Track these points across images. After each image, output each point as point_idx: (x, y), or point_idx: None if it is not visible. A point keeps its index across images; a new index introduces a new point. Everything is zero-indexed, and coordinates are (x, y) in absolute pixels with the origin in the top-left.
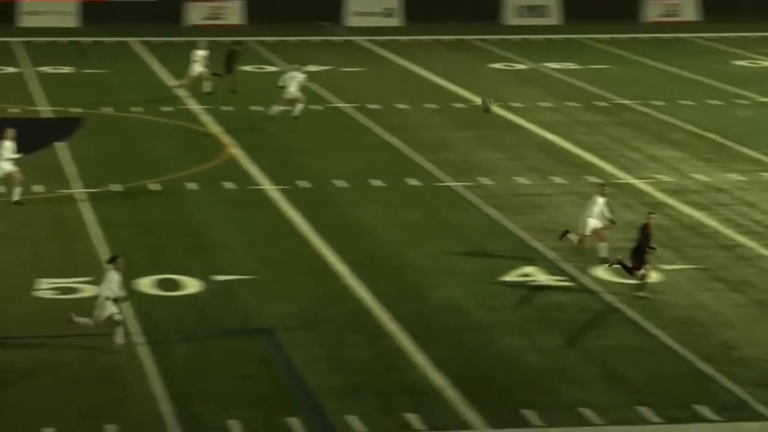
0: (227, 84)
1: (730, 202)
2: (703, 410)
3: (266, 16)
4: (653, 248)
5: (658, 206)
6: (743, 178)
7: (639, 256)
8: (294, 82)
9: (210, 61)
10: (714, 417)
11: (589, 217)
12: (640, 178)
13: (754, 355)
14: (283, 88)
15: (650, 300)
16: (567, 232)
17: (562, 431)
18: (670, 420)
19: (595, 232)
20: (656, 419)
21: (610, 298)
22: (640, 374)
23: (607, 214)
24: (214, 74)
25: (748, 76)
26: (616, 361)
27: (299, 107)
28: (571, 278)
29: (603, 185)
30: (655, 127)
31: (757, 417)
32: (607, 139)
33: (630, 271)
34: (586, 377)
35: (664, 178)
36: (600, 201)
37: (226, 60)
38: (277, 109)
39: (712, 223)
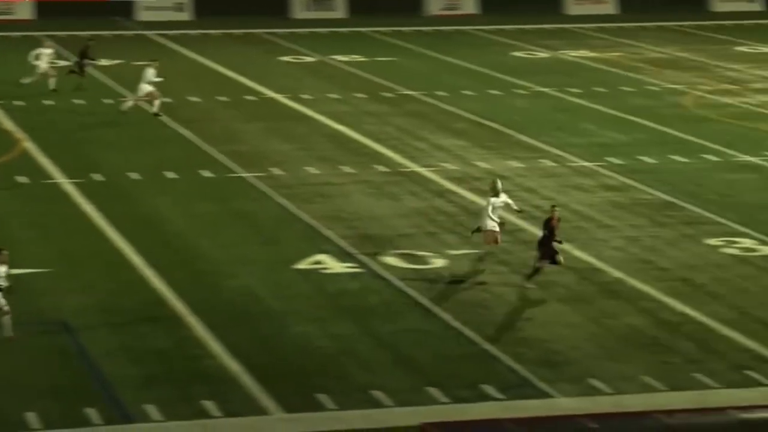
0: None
1: (511, 188)
2: (489, 389)
3: (57, 10)
4: (559, 241)
5: (443, 193)
6: (523, 165)
7: (544, 248)
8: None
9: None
10: (499, 395)
11: (490, 218)
12: (426, 166)
13: (536, 335)
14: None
15: (437, 284)
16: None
17: (355, 414)
18: (458, 399)
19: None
20: (445, 399)
21: (399, 283)
22: (429, 356)
23: (514, 206)
24: (71, 71)
25: (526, 67)
26: (405, 344)
27: (131, 104)
28: (362, 265)
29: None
30: (439, 117)
31: (538, 394)
32: (394, 129)
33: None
34: (376, 361)
35: (449, 166)
36: (494, 201)
37: (80, 55)
38: (128, 104)
39: None
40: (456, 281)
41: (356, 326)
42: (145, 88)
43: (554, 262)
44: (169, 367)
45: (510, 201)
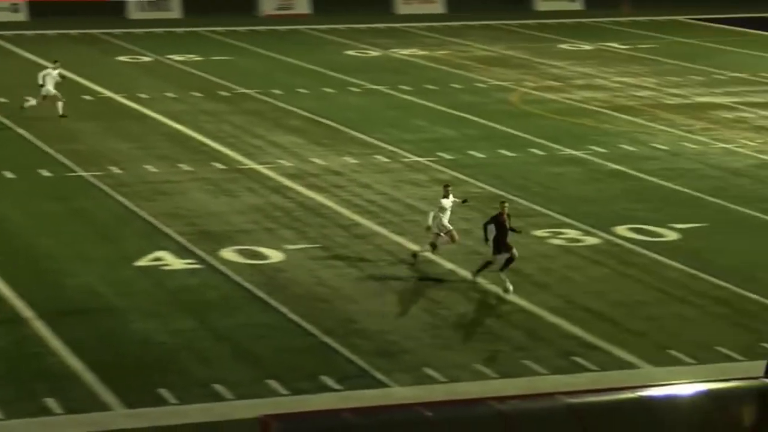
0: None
1: (346, 184)
2: (327, 380)
3: None
4: (518, 231)
5: (280, 189)
6: (357, 161)
7: (497, 244)
8: (50, 78)
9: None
10: (337, 386)
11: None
12: (262, 164)
13: (372, 326)
14: (42, 86)
15: (275, 278)
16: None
17: (196, 408)
18: (297, 391)
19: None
20: (284, 391)
21: (237, 278)
22: (268, 349)
23: (458, 201)
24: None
25: (358, 65)
26: (244, 338)
27: (59, 104)
28: (201, 261)
29: (446, 185)
30: (274, 114)
31: (376, 384)
32: (231, 126)
33: (487, 265)
34: (216, 355)
35: (285, 162)
36: (446, 202)
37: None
38: (30, 103)
39: (331, 203)
40: (293, 275)
41: (196, 321)
42: (49, 90)
43: (510, 254)
44: (10, 366)
45: (456, 199)
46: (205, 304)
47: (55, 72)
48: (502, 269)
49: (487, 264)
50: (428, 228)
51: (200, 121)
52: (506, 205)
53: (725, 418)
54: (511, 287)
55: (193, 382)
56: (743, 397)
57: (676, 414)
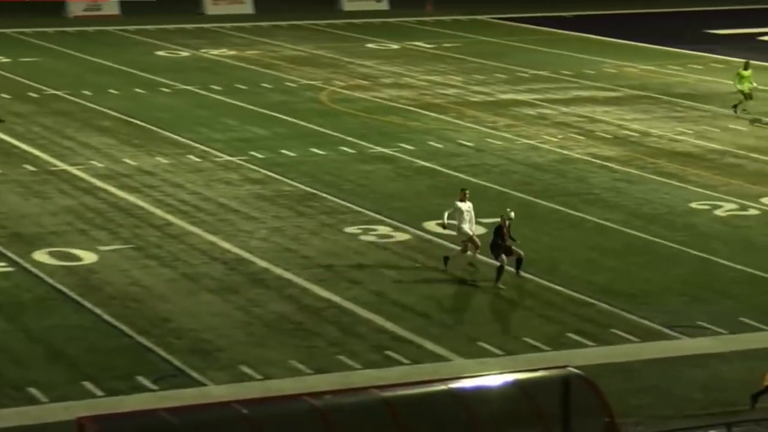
0: None
1: (158, 184)
2: (143, 380)
3: None
4: (513, 239)
5: (92, 190)
6: (169, 161)
7: (497, 249)
8: None
9: None
10: (153, 386)
11: (461, 224)
12: (74, 165)
13: (186, 325)
14: None
15: (88, 280)
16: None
17: (10, 411)
18: (113, 392)
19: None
20: (99, 392)
21: (50, 280)
22: (82, 351)
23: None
24: None
25: (169, 65)
26: (58, 339)
27: None
28: (13, 263)
29: (463, 189)
30: (85, 115)
31: (192, 383)
32: (41, 128)
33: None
34: (30, 357)
35: (97, 163)
36: (463, 206)
37: None
38: None
39: (143, 204)
40: (107, 276)
41: (9, 323)
42: None
43: (510, 254)
44: None
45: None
46: (18, 306)
47: None
48: (517, 272)
49: (501, 269)
50: (444, 225)
51: (10, 123)
52: (504, 216)
53: (532, 408)
54: (502, 286)
55: (6, 384)
56: (549, 386)
57: (485, 405)
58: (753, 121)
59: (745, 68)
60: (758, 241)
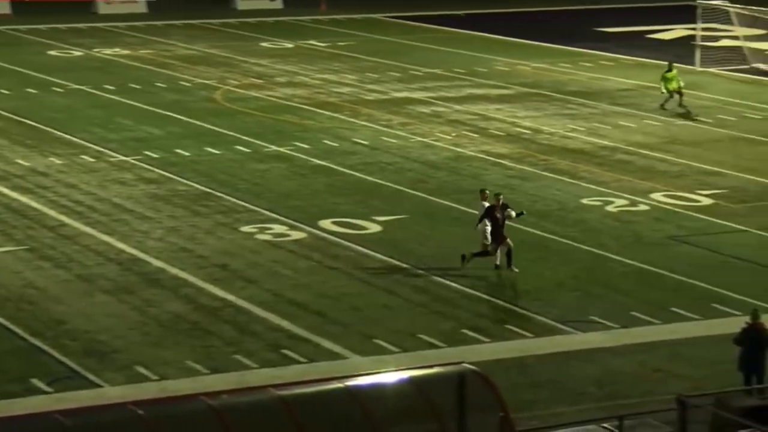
0: None
1: (52, 185)
2: (38, 383)
3: None
4: (520, 213)
5: None
6: (63, 162)
7: (495, 235)
8: None
9: None
10: (47, 389)
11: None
12: None
13: (80, 326)
14: None
15: None
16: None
17: None
18: (6, 395)
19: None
20: None
21: None
22: None
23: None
24: None
25: (61, 65)
26: None
27: None
28: None
29: (483, 190)
30: None
31: (87, 385)
32: None
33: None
34: None
35: None
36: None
37: None
38: None
39: (37, 205)
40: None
41: None
42: None
43: (507, 247)
44: None
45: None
46: None
47: None
48: (509, 265)
49: (484, 253)
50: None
51: None
52: (501, 196)
53: (428, 404)
54: (516, 269)
55: None
56: (444, 382)
57: (381, 402)
58: (685, 116)
59: (669, 70)
60: (648, 237)
